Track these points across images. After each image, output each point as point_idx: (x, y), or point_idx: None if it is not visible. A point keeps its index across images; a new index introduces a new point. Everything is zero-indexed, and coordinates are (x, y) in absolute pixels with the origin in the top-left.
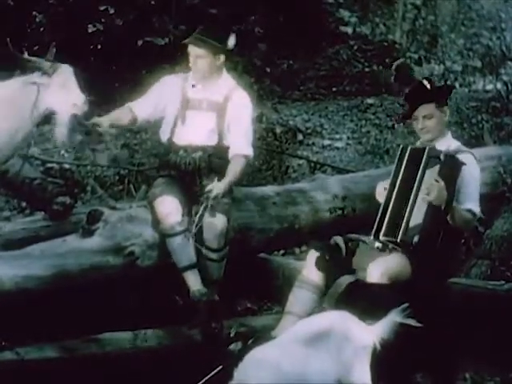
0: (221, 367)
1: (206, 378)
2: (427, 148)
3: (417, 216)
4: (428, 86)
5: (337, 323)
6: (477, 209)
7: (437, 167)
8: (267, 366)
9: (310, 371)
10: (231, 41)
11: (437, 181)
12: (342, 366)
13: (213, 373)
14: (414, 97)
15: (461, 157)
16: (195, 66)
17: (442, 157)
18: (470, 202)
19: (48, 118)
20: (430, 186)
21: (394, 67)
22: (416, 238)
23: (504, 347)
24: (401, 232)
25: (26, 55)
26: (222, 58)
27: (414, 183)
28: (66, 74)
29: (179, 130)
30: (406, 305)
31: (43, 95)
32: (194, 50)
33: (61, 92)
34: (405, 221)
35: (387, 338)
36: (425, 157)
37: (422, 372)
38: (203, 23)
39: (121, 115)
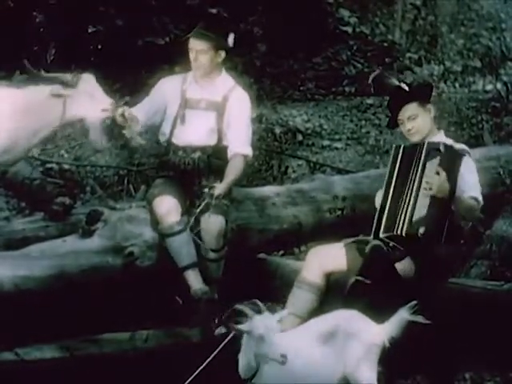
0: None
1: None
2: (426, 141)
3: (420, 209)
4: (406, 88)
5: (345, 322)
6: (479, 196)
7: (437, 159)
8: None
9: (318, 368)
10: (231, 38)
11: (438, 173)
12: (350, 364)
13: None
14: (395, 101)
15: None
16: (196, 61)
17: (441, 148)
18: (473, 190)
19: None
20: (431, 178)
21: (370, 80)
22: (422, 230)
23: (504, 347)
24: (405, 226)
25: (45, 73)
26: (223, 54)
27: (414, 177)
28: (89, 82)
29: (178, 130)
30: (414, 302)
31: (71, 106)
32: (195, 45)
33: (88, 100)
34: (408, 215)
35: (397, 336)
36: (424, 149)
37: (422, 372)
38: (204, 20)
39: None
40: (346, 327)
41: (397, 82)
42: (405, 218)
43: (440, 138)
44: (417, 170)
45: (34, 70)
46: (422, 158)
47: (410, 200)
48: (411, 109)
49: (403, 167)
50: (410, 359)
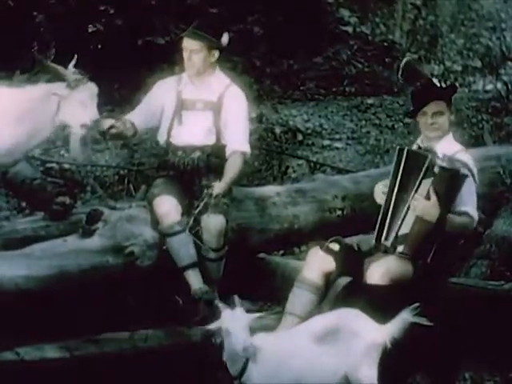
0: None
1: None
2: (429, 157)
3: (406, 225)
4: (439, 84)
5: (346, 321)
6: (473, 212)
7: (430, 179)
8: (276, 361)
9: (319, 367)
10: (225, 38)
11: (428, 197)
12: (351, 363)
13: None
14: (425, 93)
15: (459, 157)
16: (189, 61)
17: (436, 169)
18: (466, 206)
19: None
20: (417, 199)
21: (402, 64)
22: (400, 248)
23: (504, 347)
24: (391, 239)
25: (52, 63)
26: (216, 54)
27: (408, 193)
28: (87, 92)
29: (176, 131)
30: (416, 304)
31: (63, 109)
32: (189, 44)
33: (78, 108)
34: (396, 229)
35: (398, 337)
36: (425, 166)
37: (422, 372)
38: (198, 19)
39: (125, 128)
40: (348, 326)
41: (429, 75)
42: (395, 230)
43: (449, 141)
44: (413, 185)
45: (43, 60)
46: (421, 174)
47: (400, 214)
48: (440, 105)
49: (404, 176)
50: (410, 359)
